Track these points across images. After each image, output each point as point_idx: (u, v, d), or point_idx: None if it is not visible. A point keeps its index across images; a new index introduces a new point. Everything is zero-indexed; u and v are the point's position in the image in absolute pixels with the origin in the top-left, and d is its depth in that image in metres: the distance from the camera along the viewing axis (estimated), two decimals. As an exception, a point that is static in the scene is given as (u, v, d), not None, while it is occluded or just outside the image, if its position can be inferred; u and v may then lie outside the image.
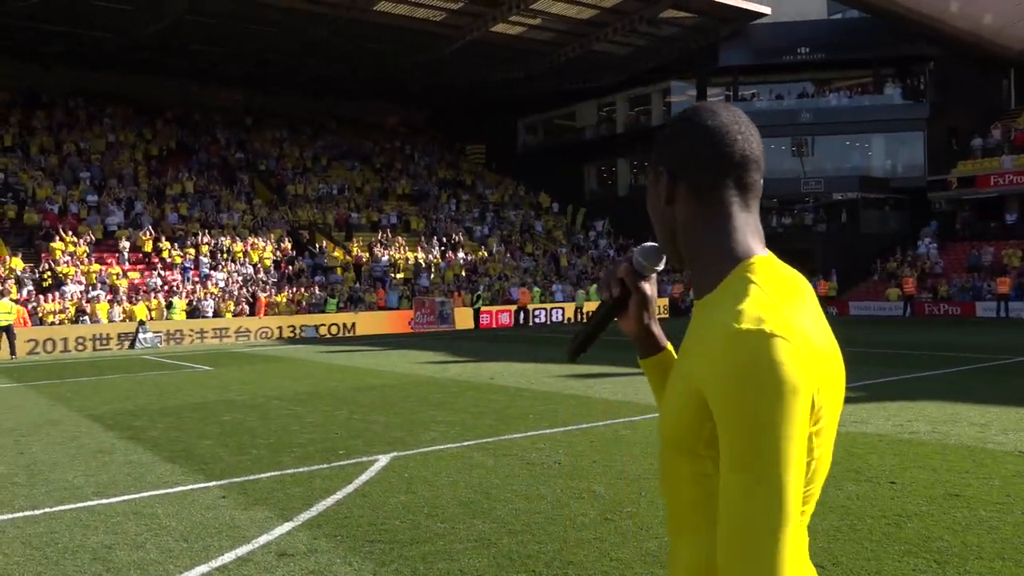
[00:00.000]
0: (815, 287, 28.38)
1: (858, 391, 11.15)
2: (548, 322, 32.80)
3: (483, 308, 30.84)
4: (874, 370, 13.62)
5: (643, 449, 7.62)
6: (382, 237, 35.61)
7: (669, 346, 1.55)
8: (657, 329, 1.53)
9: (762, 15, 37.85)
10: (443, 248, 36.28)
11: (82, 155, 34.79)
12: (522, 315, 31.69)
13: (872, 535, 4.93)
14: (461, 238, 37.70)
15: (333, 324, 28.22)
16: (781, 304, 1.18)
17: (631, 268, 1.48)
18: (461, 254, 35.95)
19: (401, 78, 42.05)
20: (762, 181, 1.35)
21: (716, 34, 38.36)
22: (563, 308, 33.32)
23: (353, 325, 28.46)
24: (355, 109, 47.84)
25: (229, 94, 43.58)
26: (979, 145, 38.39)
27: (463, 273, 34.38)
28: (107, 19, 32.31)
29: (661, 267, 1.46)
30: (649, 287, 1.50)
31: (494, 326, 31.08)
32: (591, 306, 33.59)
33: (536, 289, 33.47)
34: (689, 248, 1.34)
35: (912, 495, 5.80)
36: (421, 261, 34.19)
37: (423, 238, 36.70)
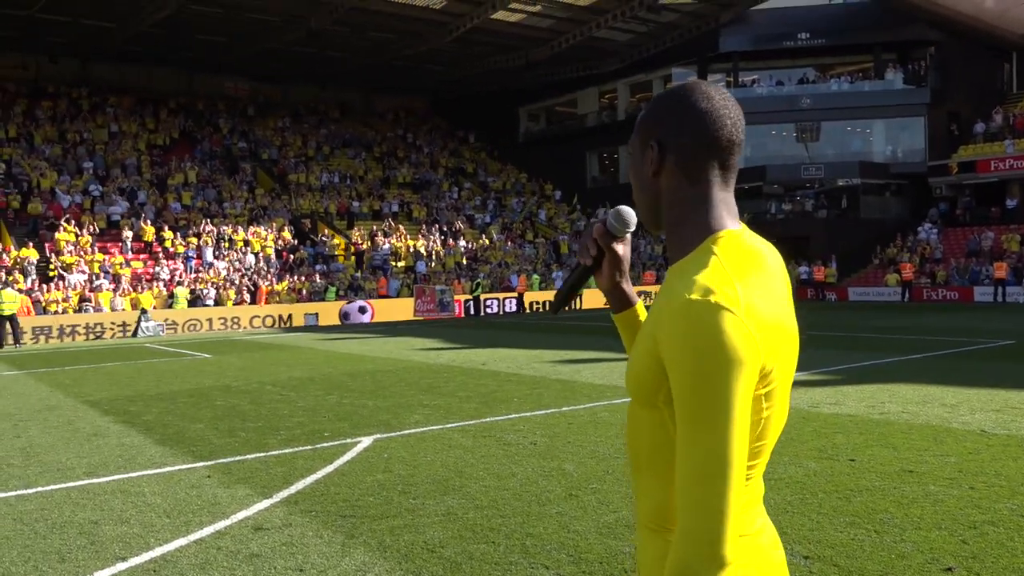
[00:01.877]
0: (812, 274, 28.46)
1: (836, 374, 11.36)
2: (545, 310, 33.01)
3: (483, 295, 31.05)
4: (860, 354, 13.82)
5: (618, 430, 7.85)
6: (384, 225, 35.84)
7: (640, 303, 1.68)
8: (628, 287, 1.66)
9: (762, 0, 37.80)
10: (444, 236, 36.50)
11: (86, 145, 35.09)
12: (519, 302, 31.89)
13: (821, 508, 5.15)
14: (462, 226, 37.90)
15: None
16: (734, 277, 1.29)
17: (604, 230, 1.59)
18: (462, 242, 36.16)
19: (403, 66, 42.18)
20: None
21: (716, 20, 38.34)
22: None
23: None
24: (358, 98, 48.03)
25: (233, 84, 43.80)
26: (980, 130, 38.36)
27: (464, 261, 34.60)
28: (111, 9, 32.54)
29: (632, 229, 1.57)
30: (622, 247, 1.62)
31: (500, 313, 31.30)
32: (590, 292, 33.82)
33: (536, 276, 33.66)
34: (669, 218, 1.45)
35: (868, 471, 6.01)
36: (422, 249, 34.42)
37: (424, 226, 36.92)
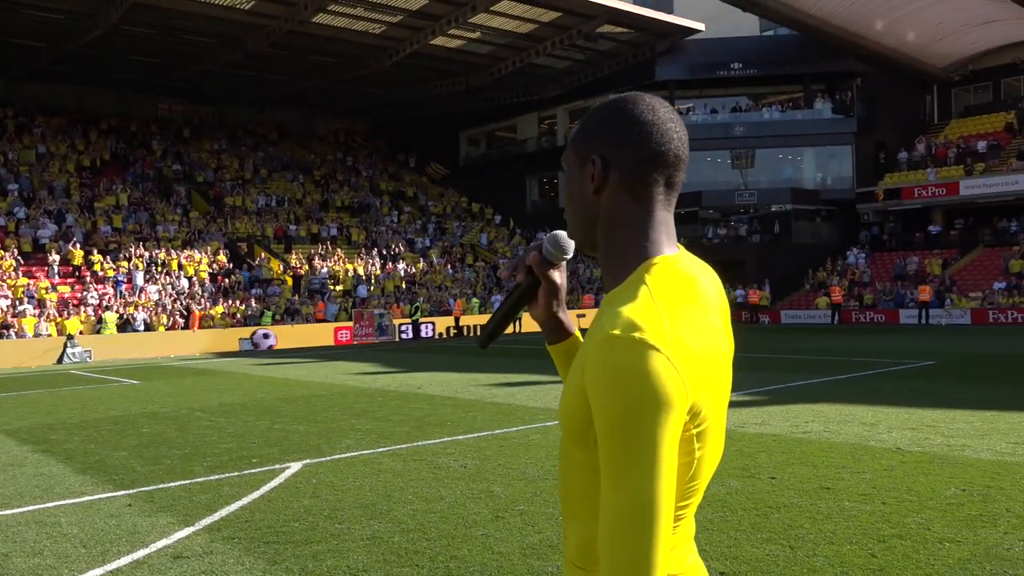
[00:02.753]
0: (747, 297, 28.95)
1: (764, 395, 11.63)
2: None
3: (421, 319, 30.95)
4: (788, 375, 14.16)
5: (548, 452, 7.90)
6: (322, 249, 35.52)
7: (577, 333, 1.58)
8: (565, 316, 1.55)
9: (696, 31, 38.85)
10: (384, 260, 36.32)
11: (10, 166, 34.06)
12: (456, 326, 31.88)
13: (740, 525, 5.27)
14: (402, 250, 37.78)
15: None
16: (663, 311, 1.20)
17: (540, 257, 1.50)
18: (402, 266, 36.03)
19: (344, 89, 42.08)
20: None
21: (652, 49, 39.24)
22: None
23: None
24: (297, 121, 47.68)
25: (167, 105, 43.09)
26: (904, 158, 39.88)
27: (403, 285, 34.45)
28: (40, 28, 31.81)
29: (569, 255, 1.48)
30: (558, 275, 1.52)
31: (437, 337, 31.19)
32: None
33: (475, 300, 33.69)
34: (608, 240, 1.34)
35: (787, 489, 6.17)
36: (361, 273, 34.19)
37: (363, 250, 36.70)
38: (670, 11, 42.84)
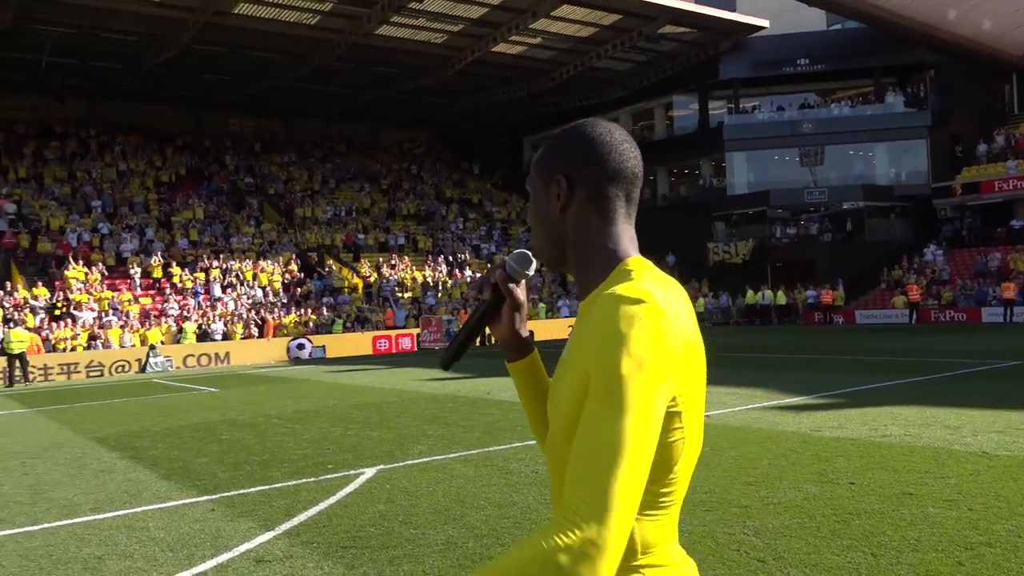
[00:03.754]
0: (819, 297, 28.40)
1: (840, 397, 11.35)
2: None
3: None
4: (864, 377, 13.80)
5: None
6: (390, 257, 36.04)
7: (535, 351, 1.64)
8: (526, 333, 1.61)
9: (760, 28, 38.20)
10: (450, 266, 36.66)
11: (94, 184, 35.49)
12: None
13: (820, 532, 5.17)
14: (468, 256, 38.08)
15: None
16: (657, 288, 1.29)
17: (505, 274, 1.55)
18: (468, 272, 36.30)
19: (407, 100, 42.67)
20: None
21: (716, 48, 38.72)
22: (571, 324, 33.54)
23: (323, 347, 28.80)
24: (362, 132, 48.50)
25: (238, 120, 44.33)
26: (983, 151, 38.44)
27: (469, 291, 34.70)
28: (118, 50, 33.10)
29: (532, 272, 1.54)
30: (521, 293, 1.58)
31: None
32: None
33: (541, 305, 33.74)
34: (579, 253, 1.43)
35: (868, 494, 6.02)
36: (428, 280, 34.57)
37: (430, 257, 37.11)
38: (733, 9, 42.17)
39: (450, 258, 37.45)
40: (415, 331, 30.29)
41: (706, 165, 43.68)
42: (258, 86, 38.54)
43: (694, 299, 36.66)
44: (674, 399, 1.27)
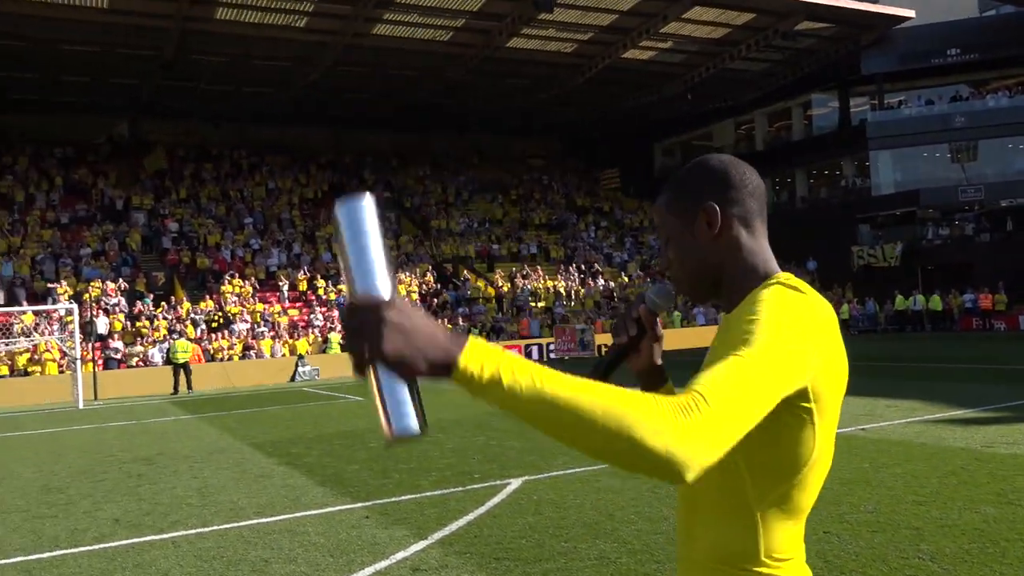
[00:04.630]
0: (978, 302, 26.60)
1: (1011, 411, 10.54)
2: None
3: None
4: (1038, 388, 12.76)
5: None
6: (523, 267, 36.37)
7: (669, 380, 1.67)
8: (661, 362, 1.65)
9: (906, 19, 36.24)
10: (583, 275, 36.62)
11: (246, 202, 37.64)
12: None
13: (1005, 558, 4.79)
14: (600, 265, 37.92)
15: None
16: (803, 298, 1.33)
17: (647, 309, 1.57)
18: (601, 281, 36.14)
19: (537, 110, 43.02)
20: None
21: (857, 42, 37.01)
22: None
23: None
24: (494, 143, 49.24)
25: (376, 137, 45.97)
26: None
27: (602, 300, 34.54)
28: (267, 75, 35.01)
29: (673, 304, 1.64)
30: (659, 326, 1.62)
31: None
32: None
33: (676, 314, 33.15)
34: (732, 273, 1.46)
35: (1056, 519, 5.54)
36: (561, 289, 34.64)
37: (562, 266, 37.20)
38: (875, 1, 40.26)
39: (582, 266, 37.41)
40: (545, 340, 30.38)
41: (848, 165, 41.78)
42: (395, 102, 39.82)
43: (837, 306, 35.10)
44: (811, 394, 1.29)
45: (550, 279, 35.70)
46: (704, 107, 43.22)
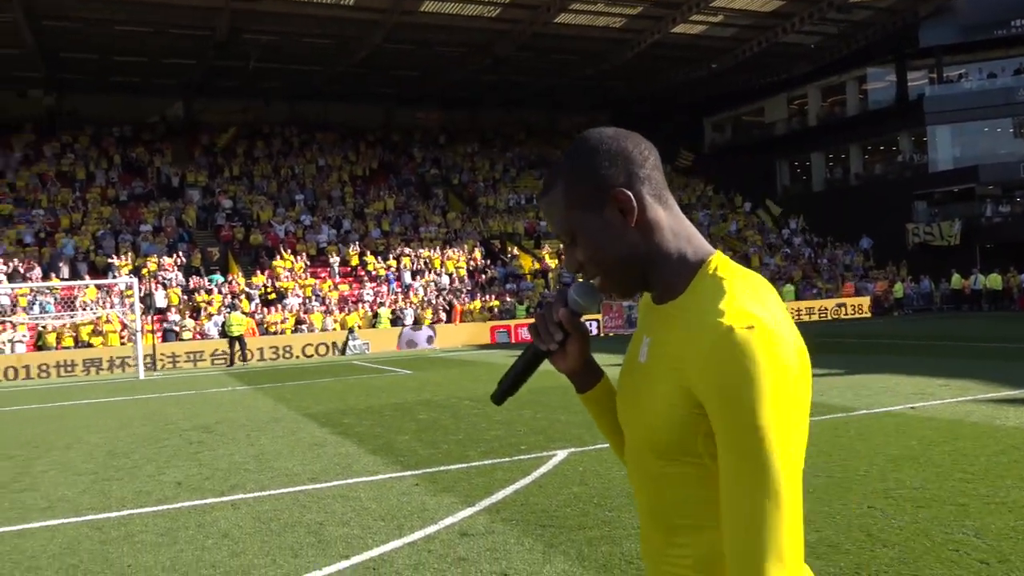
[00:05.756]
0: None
1: (1071, 391, 10.34)
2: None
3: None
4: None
5: (817, 448, 7.60)
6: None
7: (605, 373, 1.54)
8: (593, 360, 1.51)
9: (968, -12, 35.13)
10: (630, 252, 36.49)
11: (297, 179, 38.21)
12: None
13: (1050, 535, 4.78)
14: (648, 241, 37.74)
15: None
16: (758, 300, 1.20)
17: (569, 311, 1.42)
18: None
19: (585, 85, 42.76)
20: None
21: (915, 13, 35.97)
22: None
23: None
24: (541, 119, 49.12)
25: (424, 114, 46.18)
26: None
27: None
28: (316, 54, 35.37)
29: (598, 305, 1.45)
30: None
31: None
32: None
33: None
34: (658, 257, 1.31)
35: (1106, 497, 5.49)
36: (608, 266, 34.58)
37: (610, 243, 37.07)
38: (936, -31, 39.03)
39: (630, 243, 37.27)
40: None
41: (904, 140, 40.79)
42: (443, 79, 39.93)
43: (892, 284, 34.49)
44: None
45: (597, 256, 35.61)
46: (756, 81, 42.50)
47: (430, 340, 28.08)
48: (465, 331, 28.84)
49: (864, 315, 33.58)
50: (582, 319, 1.45)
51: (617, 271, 1.33)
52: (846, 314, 33.54)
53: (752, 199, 43.25)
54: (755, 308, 1.18)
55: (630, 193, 1.29)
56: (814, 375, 12.52)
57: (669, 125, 49.04)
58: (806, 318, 32.76)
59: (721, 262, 1.28)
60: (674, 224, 1.32)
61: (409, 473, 7.54)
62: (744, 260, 37.17)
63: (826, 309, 33.31)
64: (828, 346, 18.95)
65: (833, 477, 6.47)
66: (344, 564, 5.01)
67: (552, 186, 1.35)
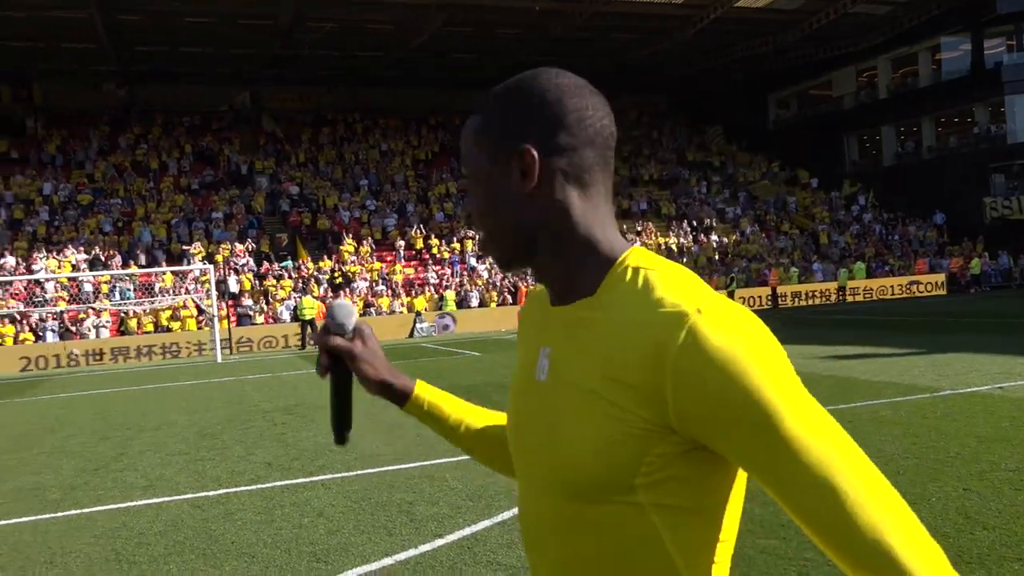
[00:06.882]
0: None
1: None
2: (809, 303, 31.57)
3: (737, 290, 30.36)
4: None
5: (903, 429, 7.48)
6: (635, 224, 36.13)
7: (418, 381, 1.42)
8: (394, 376, 1.38)
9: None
10: (695, 231, 36.08)
11: (361, 165, 38.72)
12: (772, 297, 30.80)
13: None
14: (713, 221, 37.26)
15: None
16: (701, 287, 1.00)
17: (326, 338, 1.31)
18: (714, 237, 35.55)
19: (645, 64, 42.26)
20: None
21: (993, -22, 34.60)
22: (824, 288, 31.87)
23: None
24: (602, 99, 48.72)
25: (485, 97, 46.21)
26: None
27: (716, 256, 34.01)
28: (376, 40, 35.70)
29: (350, 326, 1.33)
30: (360, 342, 1.33)
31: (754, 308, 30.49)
32: (854, 284, 31.90)
33: (794, 270, 32.34)
34: (556, 243, 1.08)
35: None
36: (673, 246, 34.29)
37: (674, 222, 36.74)
38: (1015, -69, 37.41)
39: (694, 223, 36.83)
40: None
41: (980, 112, 39.34)
42: (501, 62, 39.90)
43: (968, 260, 33.45)
44: None
45: (661, 236, 35.35)
46: (823, 55, 41.42)
47: (447, 328, 27.82)
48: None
49: (939, 292, 32.67)
50: (351, 338, 1.33)
51: (498, 237, 1.11)
52: (920, 292, 32.67)
53: (820, 175, 42.30)
54: (704, 293, 0.97)
55: (536, 156, 1.05)
56: (895, 354, 12.27)
57: (732, 103, 48.20)
58: (879, 296, 32.00)
59: (642, 255, 1.06)
60: (588, 212, 1.07)
61: (491, 454, 7.65)
62: (812, 238, 36.46)
63: (901, 286, 32.52)
64: (908, 325, 18.52)
65: (924, 459, 6.37)
66: (440, 542, 5.14)
67: (477, 116, 1.14)
